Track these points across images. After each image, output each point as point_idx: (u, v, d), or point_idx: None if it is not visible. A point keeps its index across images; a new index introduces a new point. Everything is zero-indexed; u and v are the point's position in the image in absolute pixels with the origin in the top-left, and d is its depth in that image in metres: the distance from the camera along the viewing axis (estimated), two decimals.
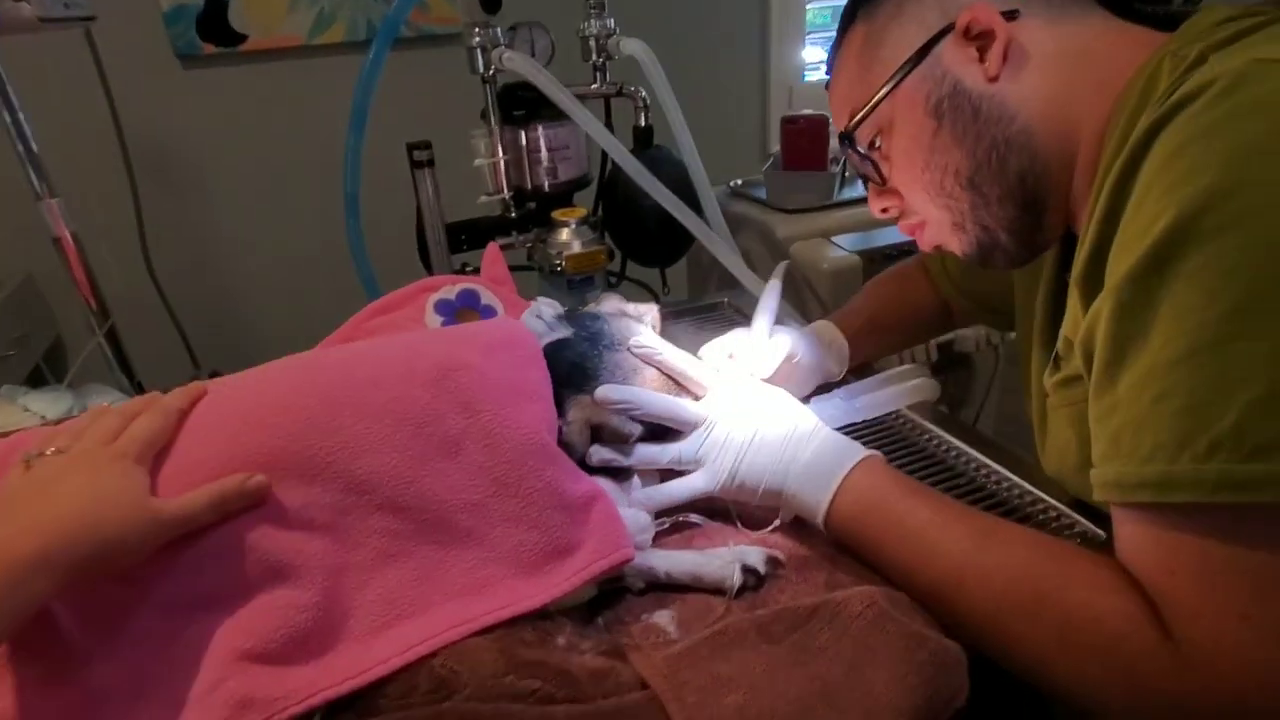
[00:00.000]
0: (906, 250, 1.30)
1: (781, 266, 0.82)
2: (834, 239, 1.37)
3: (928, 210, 0.61)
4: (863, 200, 1.56)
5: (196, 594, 0.47)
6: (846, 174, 1.52)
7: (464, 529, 0.52)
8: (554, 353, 0.59)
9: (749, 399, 0.61)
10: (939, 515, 0.52)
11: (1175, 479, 0.40)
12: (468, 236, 1.24)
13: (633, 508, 0.57)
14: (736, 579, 0.53)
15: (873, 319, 0.88)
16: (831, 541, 0.58)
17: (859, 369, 0.87)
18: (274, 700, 0.44)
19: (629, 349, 0.61)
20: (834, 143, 1.53)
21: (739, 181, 1.65)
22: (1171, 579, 0.41)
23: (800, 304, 1.33)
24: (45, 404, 0.90)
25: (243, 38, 1.70)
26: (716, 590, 0.55)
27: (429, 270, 1.22)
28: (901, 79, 0.56)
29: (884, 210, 0.65)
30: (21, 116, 0.89)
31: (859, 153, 0.61)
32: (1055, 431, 0.61)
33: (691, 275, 1.64)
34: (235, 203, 1.77)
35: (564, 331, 0.61)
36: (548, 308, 0.64)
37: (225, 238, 1.78)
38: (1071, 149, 0.54)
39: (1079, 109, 0.53)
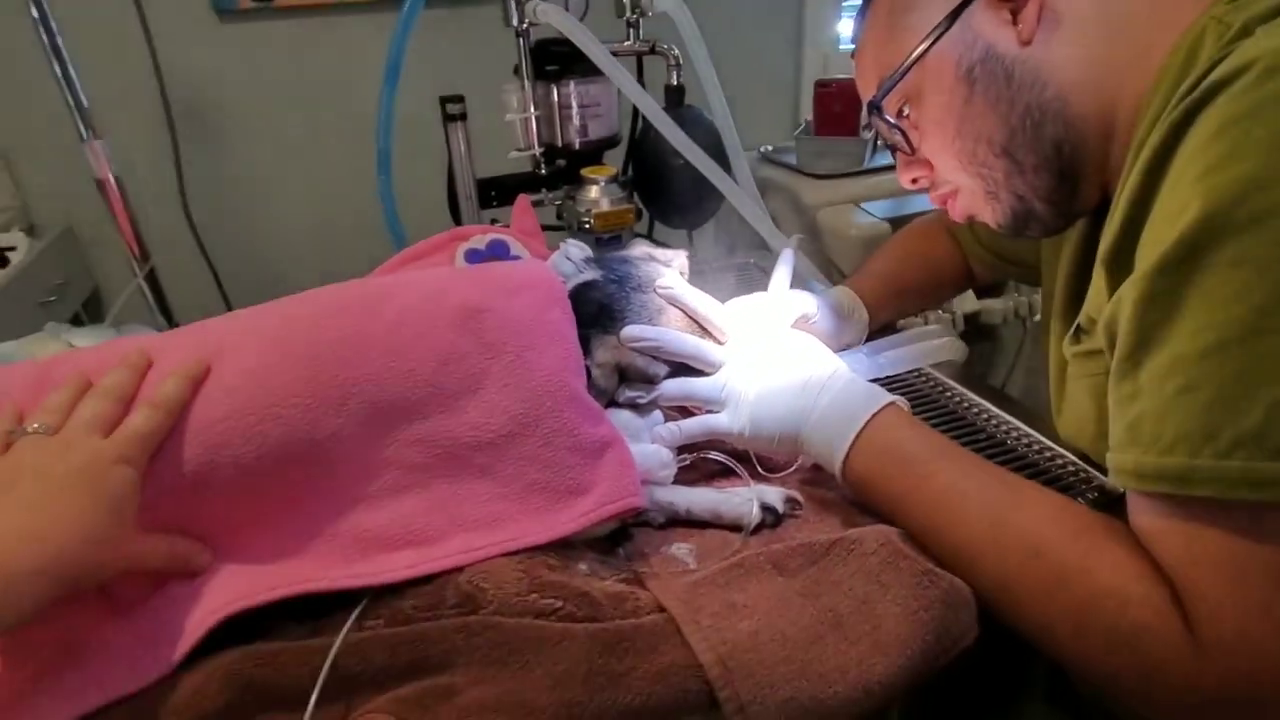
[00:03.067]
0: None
1: (793, 239, 0.81)
2: (863, 205, 1.36)
3: (960, 179, 0.60)
4: (893, 168, 1.55)
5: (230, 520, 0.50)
6: (879, 141, 1.51)
7: (479, 465, 0.54)
8: (581, 293, 0.60)
9: (772, 343, 0.61)
10: (962, 479, 0.51)
11: (1196, 473, 0.39)
12: (497, 192, 1.24)
13: (654, 443, 0.58)
14: (755, 516, 0.55)
15: (893, 280, 0.88)
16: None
17: (877, 330, 0.87)
18: (290, 582, 0.47)
19: (655, 290, 0.62)
20: None
21: (769, 147, 1.64)
22: (1195, 569, 0.41)
23: (826, 271, 1.33)
24: (89, 341, 0.93)
25: None
26: (734, 527, 0.56)
27: (458, 224, 1.23)
28: (931, 44, 0.55)
29: (914, 181, 0.65)
30: (67, 57, 0.91)
31: (887, 121, 0.60)
32: (1074, 399, 0.61)
33: (717, 240, 1.64)
34: (268, 155, 1.79)
35: (592, 273, 0.62)
36: (576, 249, 0.65)
37: (258, 189, 1.81)
38: (1109, 116, 0.52)
39: (1117, 75, 0.51)
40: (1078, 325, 0.56)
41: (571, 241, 0.67)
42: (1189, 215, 0.39)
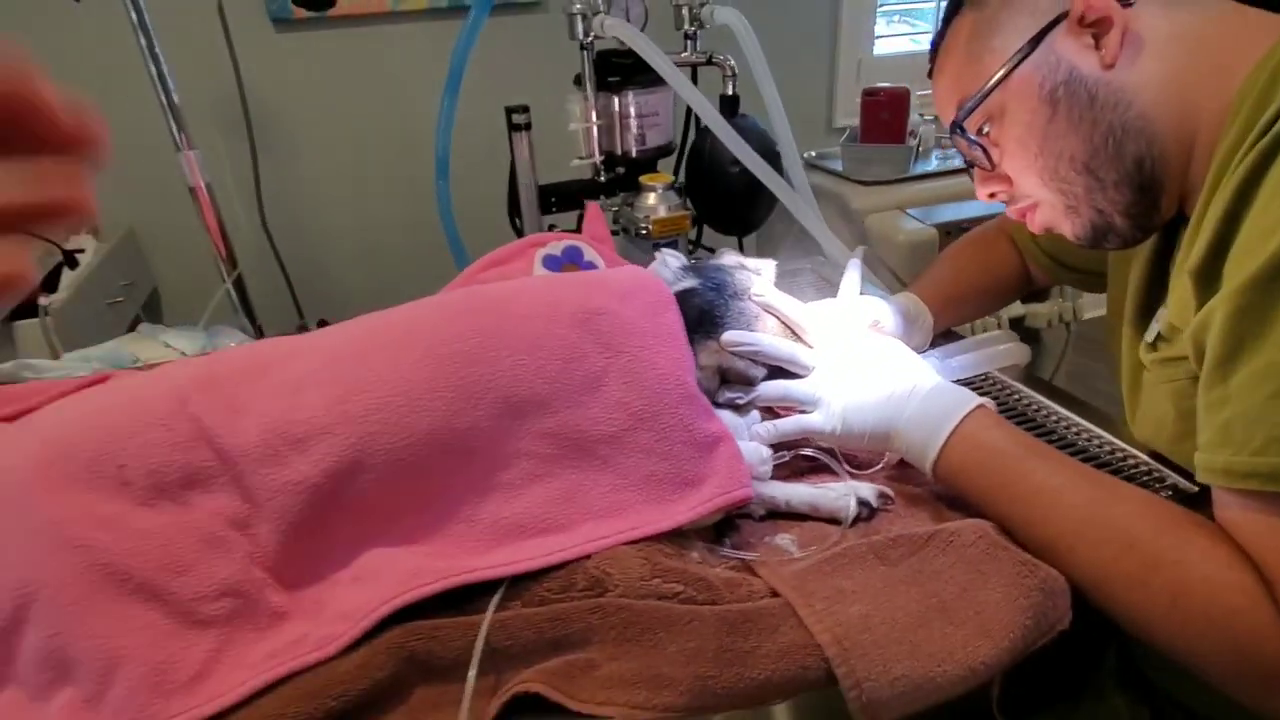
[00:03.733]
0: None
1: (860, 250, 0.84)
2: (910, 211, 1.39)
3: (1040, 194, 0.62)
4: (939, 174, 1.58)
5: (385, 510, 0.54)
6: (922, 148, 1.54)
7: (602, 457, 0.58)
8: (683, 299, 0.64)
9: (861, 347, 0.65)
10: (1054, 476, 0.54)
11: None
12: (558, 199, 1.29)
13: (753, 441, 0.62)
14: (852, 509, 0.58)
15: (955, 287, 0.91)
16: (936, 483, 0.63)
17: (939, 335, 0.90)
18: (439, 571, 0.51)
19: (750, 298, 0.66)
20: (913, 116, 1.55)
21: (812, 154, 1.67)
22: None
23: (876, 277, 1.36)
24: (184, 341, 0.98)
25: (331, 3, 1.76)
26: (831, 519, 0.60)
27: (518, 231, 1.28)
28: (1015, 67, 0.57)
29: (991, 195, 0.67)
30: (166, 70, 0.96)
31: (969, 139, 0.62)
32: (1152, 403, 0.64)
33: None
34: (324, 162, 1.85)
35: (691, 280, 0.66)
36: (674, 258, 0.69)
37: (315, 197, 1.86)
38: (1189, 133, 0.55)
39: (1197, 94, 0.53)
40: (1158, 334, 0.59)
41: (667, 251, 0.71)
42: None
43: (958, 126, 0.63)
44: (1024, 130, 0.60)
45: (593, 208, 1.03)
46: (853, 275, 0.77)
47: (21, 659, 0.46)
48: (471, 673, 0.47)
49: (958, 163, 1.63)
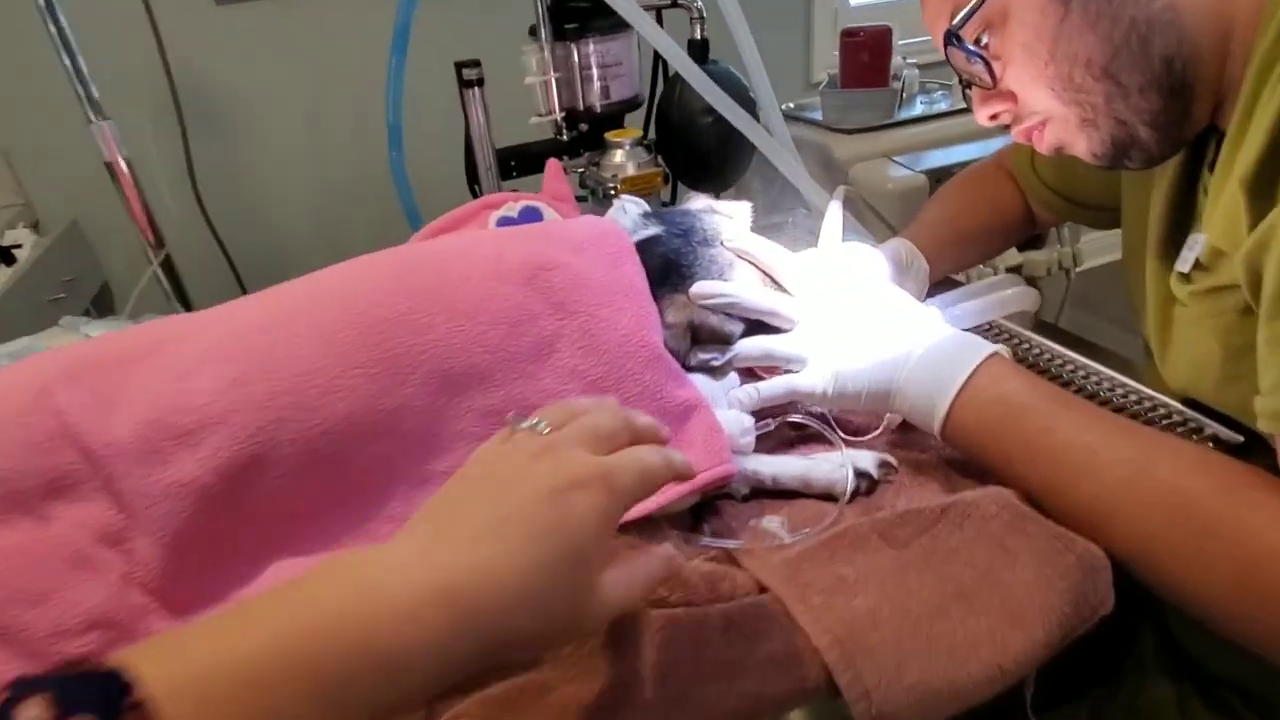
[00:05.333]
0: None
1: (840, 190, 0.76)
2: (897, 159, 1.30)
3: (1051, 108, 0.55)
4: (926, 118, 1.49)
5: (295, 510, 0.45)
6: (906, 94, 1.44)
7: None
8: (645, 249, 0.56)
9: (852, 294, 0.57)
10: (1087, 431, 0.46)
11: None
12: (518, 162, 1.20)
13: (732, 409, 0.54)
14: (850, 483, 0.50)
15: (952, 230, 0.83)
16: (944, 447, 0.55)
17: (936, 283, 0.82)
18: None
19: (722, 245, 0.57)
20: (896, 59, 1.46)
21: (790, 105, 1.58)
22: None
23: (860, 222, 1.28)
24: (105, 333, 0.89)
25: None
26: (826, 495, 0.52)
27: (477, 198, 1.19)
28: None
29: (993, 117, 0.59)
30: (72, 38, 0.86)
31: (968, 51, 0.55)
32: (1190, 343, 0.56)
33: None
34: (274, 139, 1.74)
35: (653, 228, 0.57)
36: (633, 204, 0.60)
37: (266, 174, 1.75)
38: (1224, 27, 0.48)
39: None
40: (1195, 262, 0.51)
41: (627, 197, 0.62)
42: None
43: (953, 36, 0.55)
44: (1032, 34, 0.52)
45: (552, 164, 0.94)
46: (833, 217, 0.68)
47: None
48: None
49: (944, 106, 1.54)
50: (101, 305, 1.69)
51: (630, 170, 1.13)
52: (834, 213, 0.68)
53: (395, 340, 0.47)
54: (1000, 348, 0.51)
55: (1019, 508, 0.45)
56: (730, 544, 0.48)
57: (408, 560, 0.30)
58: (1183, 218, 0.60)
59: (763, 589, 0.45)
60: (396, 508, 0.47)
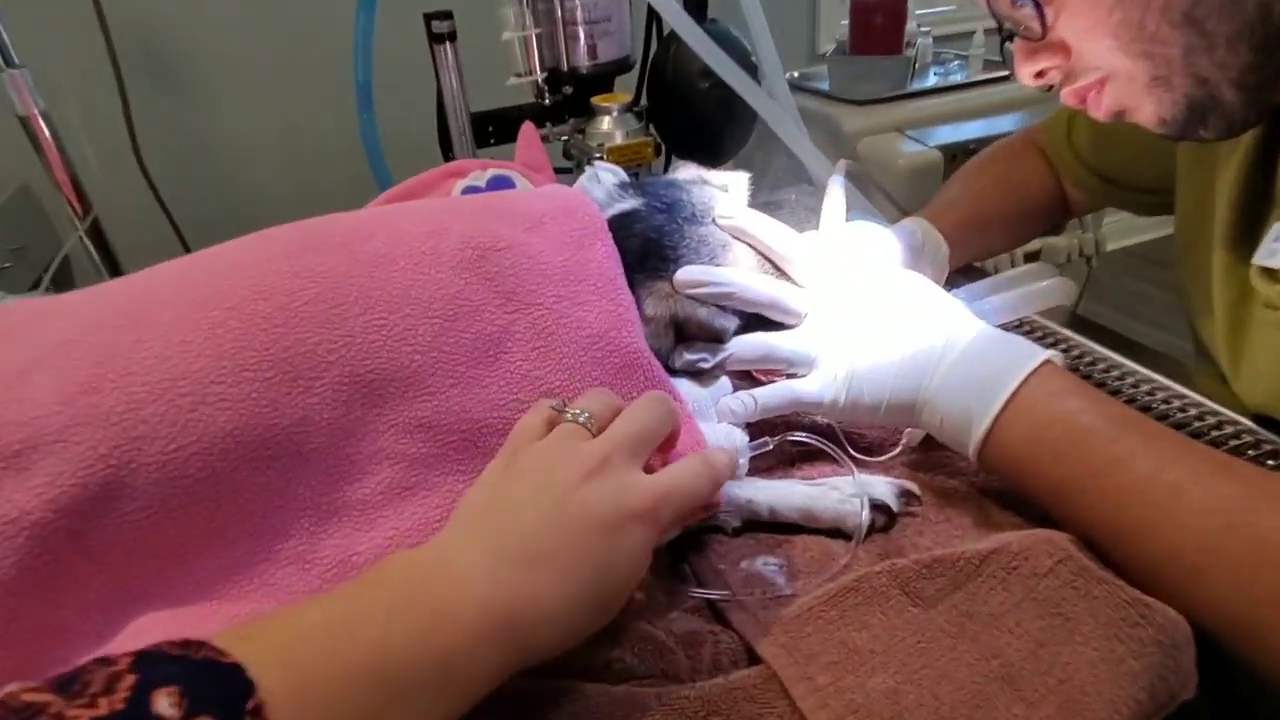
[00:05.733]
0: None
1: (842, 164, 0.66)
2: (909, 132, 1.20)
3: (1114, 63, 0.46)
4: (941, 90, 1.38)
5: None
6: (918, 64, 1.34)
7: None
8: (621, 226, 0.46)
9: (871, 284, 0.47)
10: (1171, 466, 0.36)
11: None
12: (495, 128, 1.10)
13: (722, 422, 0.44)
14: (865, 517, 0.41)
15: (975, 209, 0.73)
16: (978, 472, 0.45)
17: (953, 274, 0.72)
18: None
19: (714, 222, 0.47)
20: (910, 25, 1.35)
21: (794, 74, 1.47)
22: None
23: (868, 201, 1.18)
24: None
25: None
26: (833, 531, 0.43)
27: None
28: None
29: (1039, 75, 0.50)
30: None
31: None
32: (1271, 350, 0.47)
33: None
34: (229, 93, 1.61)
35: (631, 201, 0.47)
36: (608, 172, 0.50)
37: (225, 138, 1.63)
38: None
39: None
40: None
41: (601, 164, 0.52)
42: None
43: None
44: None
45: (527, 128, 0.84)
46: (836, 194, 0.59)
47: None
48: None
49: (959, 78, 1.44)
50: (61, 279, 1.58)
51: (618, 139, 1.03)
52: (836, 189, 0.58)
53: (295, 337, 0.37)
54: (1053, 353, 0.41)
55: (1080, 562, 0.36)
56: (715, 595, 0.39)
57: (474, 575, 0.30)
58: (1259, 202, 0.51)
59: (753, 657, 0.36)
60: (298, 545, 0.38)
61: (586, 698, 0.32)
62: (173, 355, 0.36)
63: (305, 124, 1.63)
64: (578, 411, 0.35)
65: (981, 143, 1.17)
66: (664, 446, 0.38)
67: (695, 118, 1.05)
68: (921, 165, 1.14)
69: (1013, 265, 1.20)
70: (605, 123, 1.05)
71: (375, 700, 0.26)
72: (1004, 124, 1.22)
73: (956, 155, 1.16)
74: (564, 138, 1.09)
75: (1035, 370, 0.40)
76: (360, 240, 0.42)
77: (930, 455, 0.48)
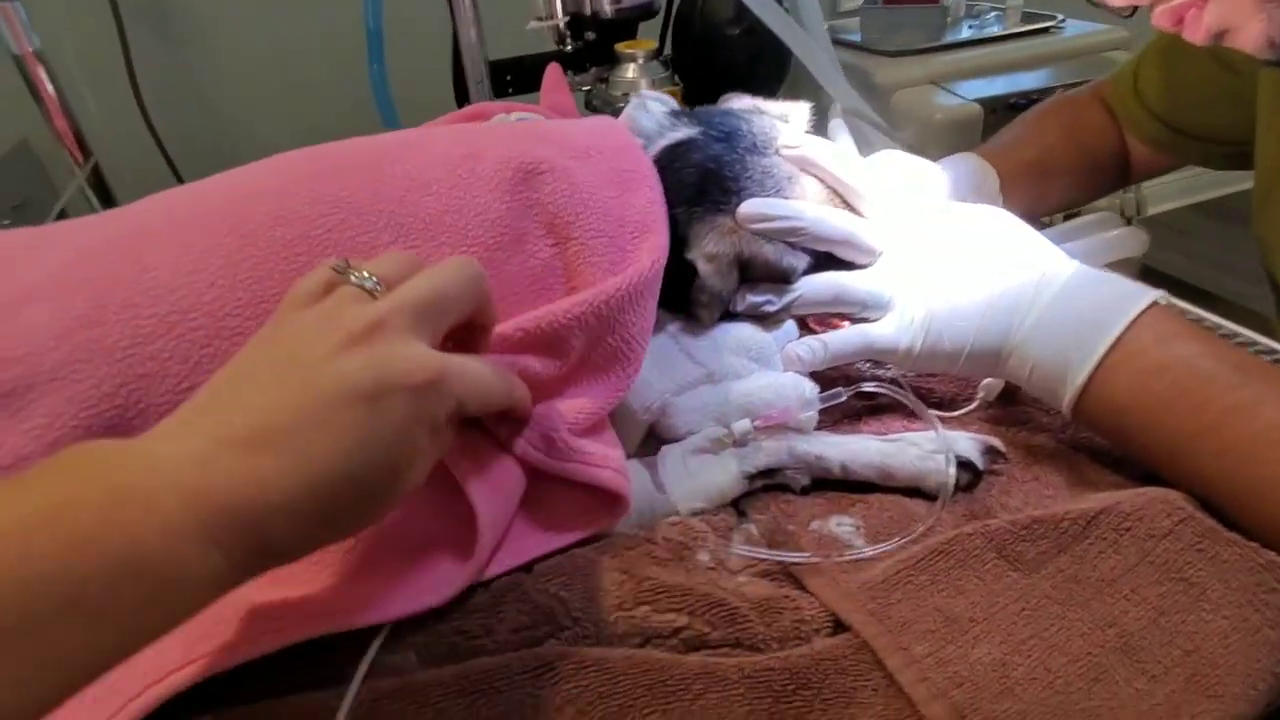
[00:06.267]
0: (1039, 100, 1.07)
1: (836, 106, 0.59)
2: (945, 86, 1.14)
3: None
4: (980, 41, 1.32)
5: None
6: (951, 18, 1.27)
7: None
8: (676, 156, 0.41)
9: (952, 221, 0.43)
10: None
11: None
12: (514, 76, 1.05)
13: (789, 370, 0.40)
14: (951, 476, 0.37)
15: (1033, 153, 0.67)
16: (1064, 428, 0.41)
17: None
18: (267, 614, 0.30)
19: (778, 152, 0.43)
20: None
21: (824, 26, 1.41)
22: None
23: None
24: None
25: None
26: (911, 492, 0.39)
27: None
28: None
29: None
30: None
31: None
32: None
33: None
34: (232, 40, 1.55)
35: (686, 130, 0.43)
36: (657, 102, 0.45)
37: (227, 86, 1.57)
38: None
39: None
40: None
41: (649, 92, 0.47)
42: None
43: None
44: None
45: (553, 70, 0.79)
46: (842, 138, 0.52)
47: None
48: None
49: (996, 30, 1.37)
50: None
51: (643, 88, 0.98)
52: (841, 133, 0.50)
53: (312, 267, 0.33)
54: (1161, 294, 0.37)
55: (1205, 522, 0.32)
56: (791, 556, 0.35)
57: (179, 463, 0.23)
58: None
59: (840, 626, 0.32)
60: None
61: (662, 669, 0.29)
62: (182, 286, 0.32)
63: (312, 74, 1.57)
64: (364, 275, 0.29)
65: (1022, 97, 1.12)
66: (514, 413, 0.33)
67: (724, 66, 1.00)
68: (960, 119, 1.09)
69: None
70: (630, 71, 1.00)
71: (39, 604, 0.20)
72: (1043, 79, 1.17)
73: (996, 110, 1.11)
74: (586, 87, 1.04)
75: (1144, 313, 0.36)
76: (388, 163, 0.37)
77: (1009, 410, 0.44)
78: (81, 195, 0.82)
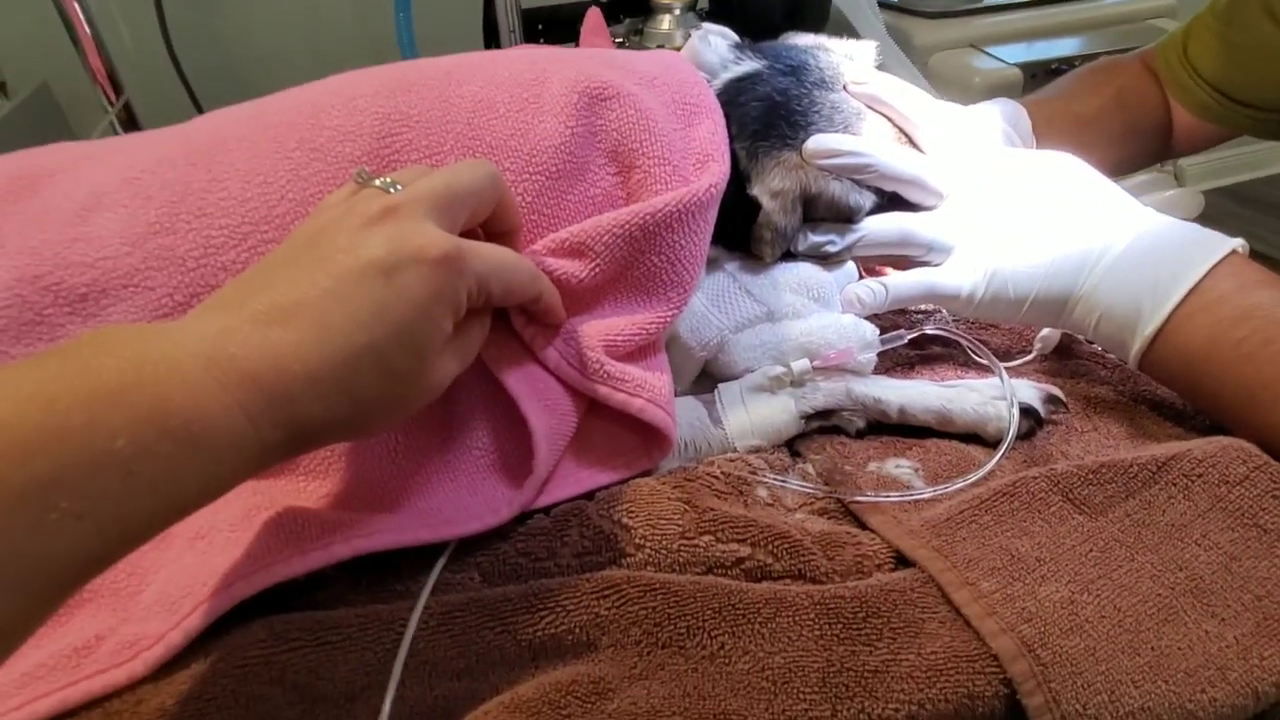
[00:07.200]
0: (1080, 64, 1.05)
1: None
2: (985, 49, 1.12)
3: None
4: (1020, 5, 1.29)
5: None
6: None
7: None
8: (742, 89, 0.40)
9: (1022, 165, 0.42)
10: None
11: None
12: (546, 26, 1.03)
13: (848, 312, 0.40)
14: (1013, 423, 0.37)
15: (1077, 114, 0.65)
16: (1124, 380, 0.41)
17: None
18: (330, 523, 0.30)
19: (846, 89, 0.42)
20: None
21: None
22: None
23: None
24: None
25: None
26: (968, 438, 0.38)
27: None
28: None
29: None
30: None
31: None
32: None
33: None
34: None
35: (751, 63, 0.42)
36: (719, 36, 0.44)
37: (250, 27, 1.55)
38: None
39: None
40: None
41: (710, 25, 0.46)
42: None
43: None
44: None
45: (593, 14, 0.77)
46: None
47: None
48: (386, 706, 0.26)
49: None
50: None
51: (679, 40, 0.96)
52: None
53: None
54: (1239, 242, 0.36)
55: (1276, 468, 0.32)
56: (853, 495, 0.35)
57: (202, 332, 0.24)
58: None
59: (902, 561, 0.32)
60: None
61: (730, 593, 0.29)
62: (253, 198, 0.32)
63: (336, 20, 1.55)
64: (387, 181, 0.29)
65: (1064, 63, 1.09)
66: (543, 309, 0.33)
67: (763, 18, 0.98)
68: (1000, 83, 1.06)
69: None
70: (665, 22, 0.98)
71: (64, 455, 0.20)
72: (1086, 44, 1.14)
73: (1036, 75, 1.08)
74: (620, 39, 1.02)
75: (1223, 259, 0.35)
76: (455, 84, 0.37)
77: (1066, 363, 0.44)
78: (111, 134, 0.81)
